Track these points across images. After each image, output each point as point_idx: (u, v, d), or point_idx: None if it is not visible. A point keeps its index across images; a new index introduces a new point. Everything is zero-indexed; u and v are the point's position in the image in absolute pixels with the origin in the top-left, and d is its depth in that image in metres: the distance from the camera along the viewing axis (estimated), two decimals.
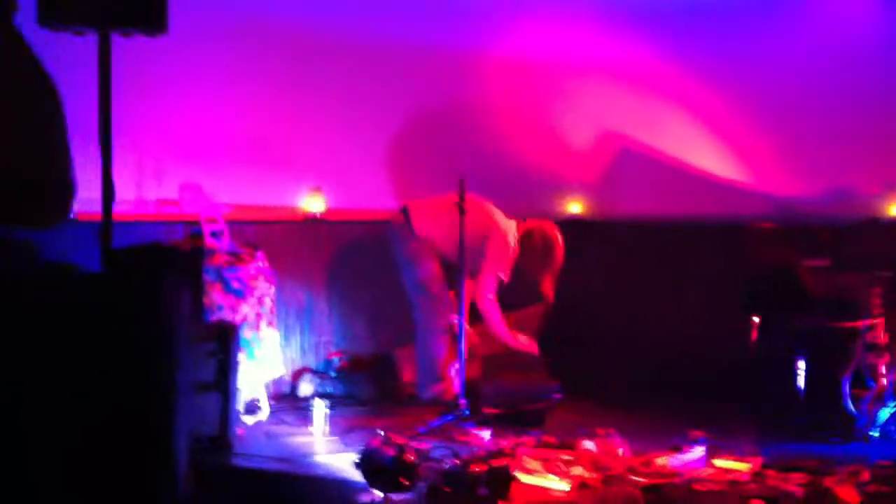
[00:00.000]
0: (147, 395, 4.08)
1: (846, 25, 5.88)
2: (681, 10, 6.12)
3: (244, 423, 5.11)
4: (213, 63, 5.78)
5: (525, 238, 5.77)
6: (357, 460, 4.02)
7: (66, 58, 4.88)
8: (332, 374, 6.02)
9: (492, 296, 5.68)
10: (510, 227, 5.77)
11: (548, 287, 5.85)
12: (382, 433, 4.19)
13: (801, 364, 5.25)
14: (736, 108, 6.33)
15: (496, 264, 5.66)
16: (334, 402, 5.61)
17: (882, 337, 5.07)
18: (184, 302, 4.26)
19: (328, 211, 6.33)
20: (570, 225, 6.72)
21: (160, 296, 4.12)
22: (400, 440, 4.07)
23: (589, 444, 4.37)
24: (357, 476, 4.04)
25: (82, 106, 5.03)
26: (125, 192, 5.30)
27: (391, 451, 3.93)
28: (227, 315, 5.21)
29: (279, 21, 5.97)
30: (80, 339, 4.00)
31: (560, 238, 5.82)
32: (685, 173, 6.49)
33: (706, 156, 6.46)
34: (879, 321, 5.11)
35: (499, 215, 5.80)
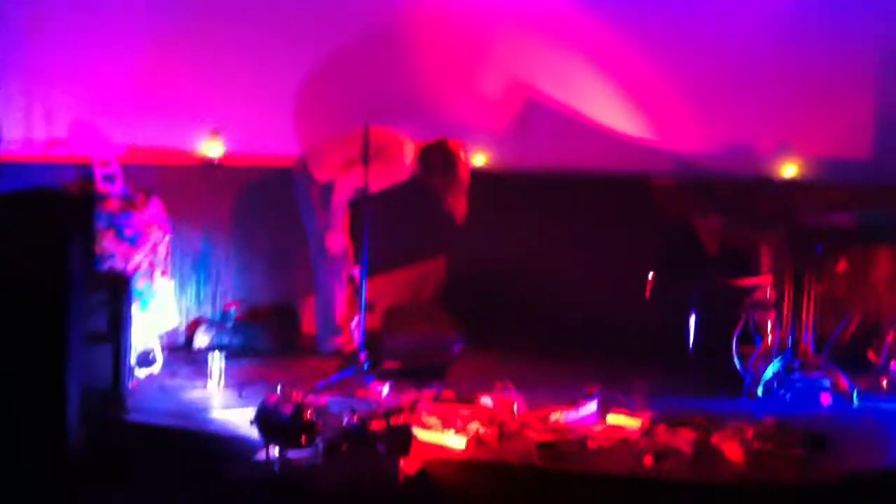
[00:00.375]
0: (37, 347, 3.96)
1: None
2: None
3: (137, 376, 4.99)
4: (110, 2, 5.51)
5: (425, 154, 5.68)
6: (254, 417, 3.96)
7: None
8: (229, 324, 5.91)
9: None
10: (406, 147, 5.68)
11: (457, 204, 5.77)
12: (279, 388, 4.13)
13: (692, 320, 5.41)
14: (639, 64, 6.36)
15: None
16: (231, 353, 5.53)
17: (769, 294, 5.23)
18: (74, 252, 4.12)
19: (227, 156, 6.16)
20: (474, 176, 6.72)
21: (49, 247, 3.97)
22: (297, 396, 4.03)
23: (486, 400, 4.42)
24: (254, 433, 4.00)
25: None
26: (12, 132, 5.06)
27: (288, 408, 3.89)
28: (119, 263, 5.05)
29: None
30: None
31: (464, 153, 5.75)
32: (589, 127, 6.52)
33: (610, 110, 6.50)
34: (767, 279, 5.27)
35: (395, 135, 5.70)
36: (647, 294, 5.78)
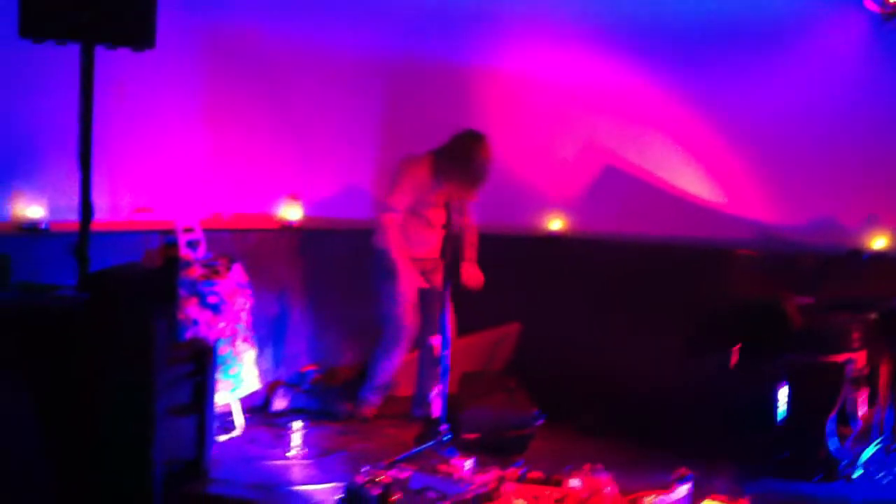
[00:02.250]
0: (124, 421, 3.99)
1: (834, 55, 5.83)
2: (674, 39, 6.04)
3: (217, 441, 4.96)
4: (190, 69, 5.61)
5: (450, 149, 5.49)
6: (341, 498, 3.91)
7: (39, 64, 4.74)
8: (306, 387, 5.88)
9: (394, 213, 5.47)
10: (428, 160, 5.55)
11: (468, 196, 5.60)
12: (365, 469, 4.07)
13: (782, 396, 5.24)
14: (721, 133, 6.27)
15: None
16: (309, 417, 5.51)
17: (864, 370, 5.06)
18: (160, 327, 4.14)
19: (305, 219, 6.19)
20: (551, 242, 6.67)
21: (138, 324, 4.01)
22: (385, 477, 3.96)
23: (575, 482, 4.29)
24: None
25: (54, 110, 4.89)
26: (99, 199, 5.11)
27: (376, 490, 3.84)
28: (202, 331, 5.06)
29: (260, 29, 5.81)
30: (60, 366, 3.89)
31: (484, 144, 5.46)
32: (668, 194, 6.44)
33: (689, 178, 6.41)
34: (861, 354, 5.10)
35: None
36: (733, 365, 5.63)
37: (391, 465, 4.52)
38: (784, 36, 5.95)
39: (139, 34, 3.92)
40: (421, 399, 5.58)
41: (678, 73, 6.20)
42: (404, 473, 4.43)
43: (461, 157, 5.44)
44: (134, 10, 3.95)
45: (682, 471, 4.46)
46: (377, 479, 3.95)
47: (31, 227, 4.95)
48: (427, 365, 5.54)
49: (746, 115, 6.18)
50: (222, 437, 5.09)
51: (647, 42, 6.09)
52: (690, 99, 6.24)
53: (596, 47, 6.26)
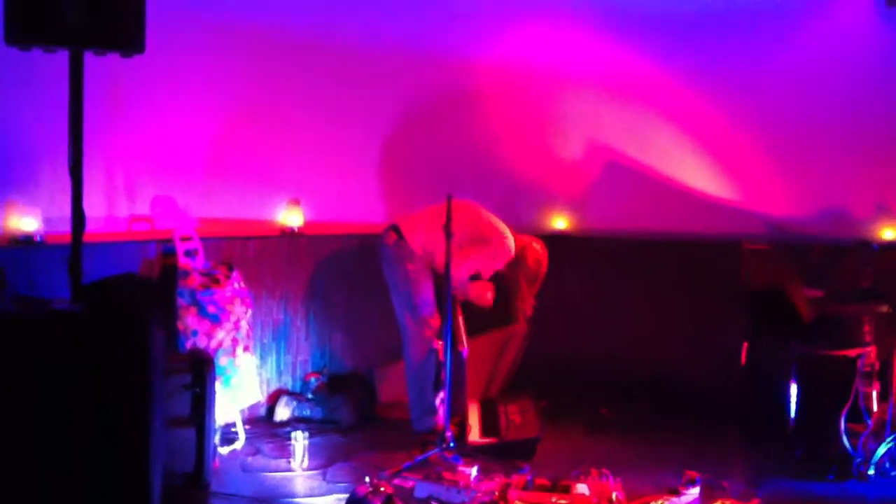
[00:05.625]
0: (121, 433, 3.90)
1: (843, 46, 5.73)
2: (677, 25, 5.95)
3: (219, 454, 4.90)
4: (186, 73, 5.50)
5: (520, 253, 5.51)
6: None
7: (31, 70, 4.67)
8: (310, 395, 5.81)
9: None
10: (509, 235, 5.46)
11: (528, 306, 5.69)
12: (368, 479, 3.98)
13: (794, 392, 5.14)
14: (728, 126, 6.18)
15: (484, 259, 5.38)
16: (312, 427, 5.43)
17: (875, 363, 4.95)
18: (157, 338, 4.06)
19: (306, 224, 6.10)
20: (555, 240, 6.57)
21: (134, 335, 3.92)
22: (388, 488, 3.88)
23: (583, 488, 4.20)
24: None
25: (49, 118, 4.81)
26: (95, 210, 5.05)
27: (378, 501, 3.75)
28: (202, 341, 4.99)
29: (257, 28, 5.71)
30: (55, 379, 3.81)
31: (544, 256, 5.64)
32: (674, 189, 6.34)
33: (697, 172, 6.31)
34: (871, 349, 4.99)
35: (496, 220, 5.49)
36: (743, 362, 5.55)
37: (395, 475, 4.45)
38: (791, 21, 5.87)
39: (129, 38, 3.83)
40: (423, 409, 5.36)
41: (683, 60, 6.12)
42: (409, 483, 4.37)
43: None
44: (123, 14, 3.86)
45: (692, 474, 4.37)
46: (380, 489, 3.86)
47: (26, 240, 4.88)
48: (431, 371, 5.40)
49: (753, 105, 6.10)
50: (224, 449, 5.02)
51: (652, 28, 6.02)
52: (696, 88, 6.16)
53: (599, 34, 6.17)
